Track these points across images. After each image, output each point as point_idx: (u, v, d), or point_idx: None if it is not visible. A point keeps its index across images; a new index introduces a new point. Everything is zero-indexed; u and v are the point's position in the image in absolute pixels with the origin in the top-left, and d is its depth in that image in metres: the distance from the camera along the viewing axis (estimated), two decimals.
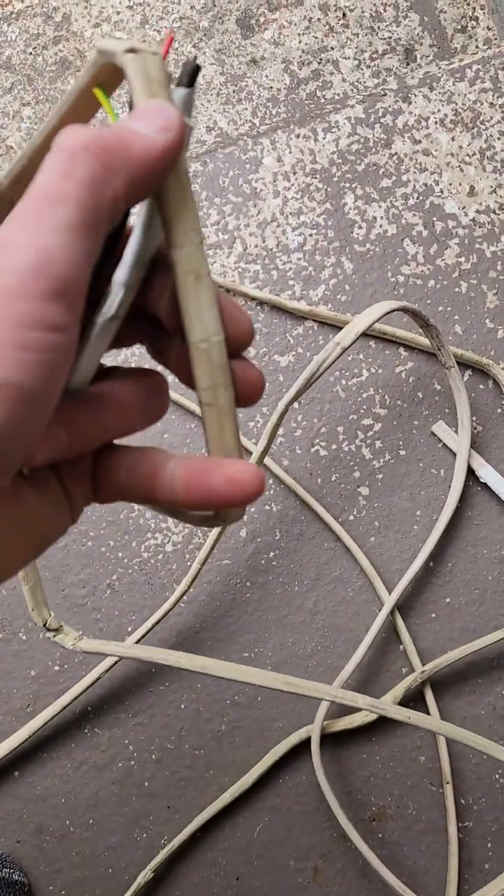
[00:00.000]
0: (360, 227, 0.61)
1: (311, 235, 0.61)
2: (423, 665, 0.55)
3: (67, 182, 0.17)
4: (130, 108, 0.19)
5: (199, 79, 0.53)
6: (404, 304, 0.50)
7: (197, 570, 0.54)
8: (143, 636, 0.55)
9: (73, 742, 0.56)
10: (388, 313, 0.49)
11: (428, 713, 0.55)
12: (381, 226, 0.61)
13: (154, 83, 0.19)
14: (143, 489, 0.22)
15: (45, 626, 0.50)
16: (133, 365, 0.60)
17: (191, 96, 0.20)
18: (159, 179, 0.19)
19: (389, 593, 0.56)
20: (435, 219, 0.60)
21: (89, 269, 0.18)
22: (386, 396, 0.59)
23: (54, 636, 0.50)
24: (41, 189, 0.17)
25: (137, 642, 0.55)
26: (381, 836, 0.54)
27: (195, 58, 0.26)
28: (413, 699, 0.55)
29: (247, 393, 0.22)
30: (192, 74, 0.20)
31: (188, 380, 0.22)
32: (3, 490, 0.20)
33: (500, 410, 0.58)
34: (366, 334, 0.59)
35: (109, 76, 0.20)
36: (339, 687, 0.54)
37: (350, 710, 0.55)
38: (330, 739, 0.55)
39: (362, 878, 0.54)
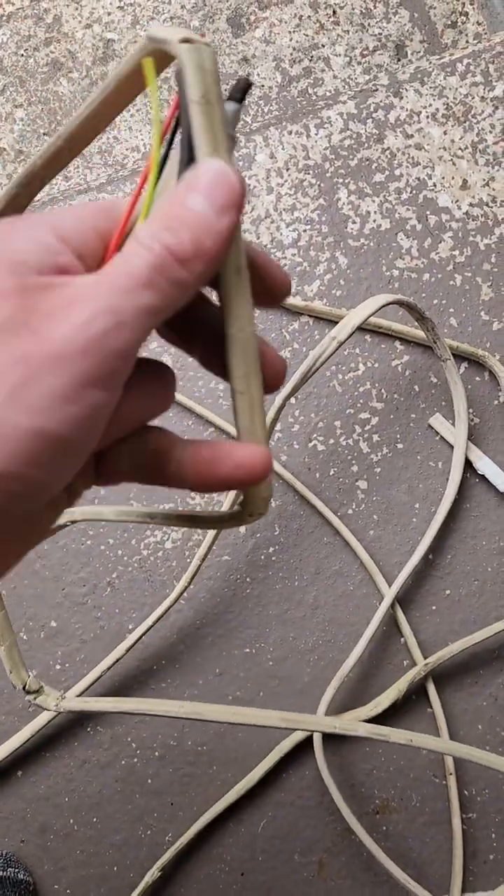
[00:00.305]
0: (353, 222, 0.61)
1: (305, 231, 0.61)
2: (425, 658, 0.55)
3: (144, 278, 0.19)
4: (180, 97, 0.20)
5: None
6: (399, 298, 0.50)
7: (197, 567, 0.54)
8: (144, 634, 0.55)
9: (75, 741, 0.56)
10: (382, 307, 0.49)
11: (430, 706, 0.55)
12: (374, 220, 0.61)
13: (208, 76, 0.19)
14: (147, 475, 0.23)
15: (24, 688, 0.49)
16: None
17: (239, 112, 0.21)
18: (223, 256, 0.20)
19: (389, 586, 0.56)
20: (428, 212, 0.61)
21: (138, 349, 0.20)
22: (383, 390, 0.59)
23: (35, 698, 0.49)
24: (120, 276, 0.19)
25: (136, 641, 0.55)
26: (385, 828, 0.54)
27: (248, 74, 0.27)
28: (415, 692, 0.55)
29: (272, 377, 0.23)
30: (244, 90, 0.20)
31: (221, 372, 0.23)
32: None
33: (496, 402, 0.58)
34: (361, 328, 0.59)
35: (156, 63, 0.20)
36: (342, 679, 0.54)
37: (354, 703, 0.55)
38: (333, 734, 0.55)
39: (367, 871, 0.54)
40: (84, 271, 0.20)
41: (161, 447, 0.22)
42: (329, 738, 0.55)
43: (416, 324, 0.54)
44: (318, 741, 0.53)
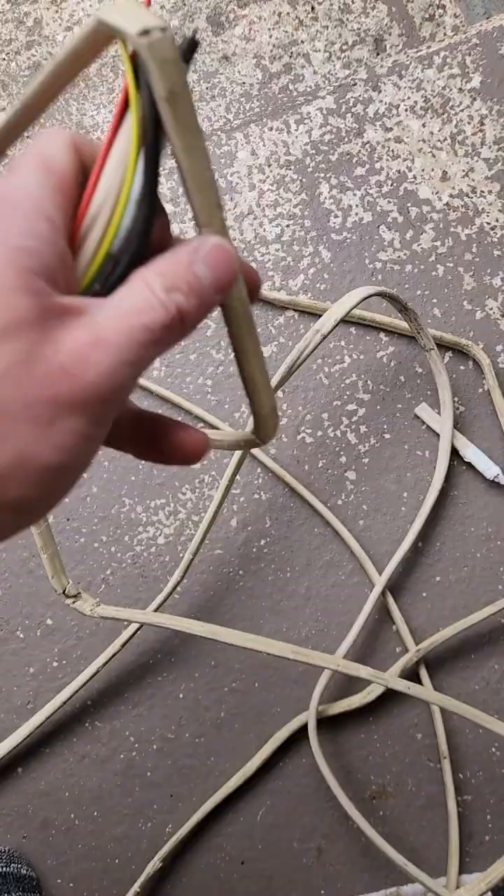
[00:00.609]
0: (336, 216, 0.62)
1: (288, 226, 0.62)
2: (417, 644, 0.55)
3: (140, 337, 0.20)
4: (135, 87, 0.19)
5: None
6: (381, 290, 0.51)
7: (189, 561, 0.55)
8: (137, 630, 0.56)
9: (74, 736, 0.57)
10: (365, 299, 0.50)
11: None
12: (356, 214, 0.61)
13: (171, 66, 0.18)
14: (143, 452, 0.25)
15: (64, 592, 0.51)
16: None
17: (187, 72, 0.20)
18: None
19: (380, 575, 0.56)
20: (409, 204, 0.61)
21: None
22: (369, 381, 0.60)
23: (73, 602, 0.51)
24: (137, 330, 0.20)
25: (132, 636, 0.56)
26: (381, 813, 0.55)
27: (195, 32, 0.26)
28: (408, 678, 0.56)
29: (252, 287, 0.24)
30: (191, 51, 0.20)
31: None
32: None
33: (480, 391, 0.59)
34: (346, 321, 0.59)
35: (105, 42, 0.20)
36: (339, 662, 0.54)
37: (347, 692, 0.56)
38: (328, 722, 0.56)
39: (365, 856, 0.54)
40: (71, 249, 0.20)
41: (156, 429, 0.24)
42: (325, 726, 0.56)
43: (400, 315, 0.55)
44: (312, 730, 0.54)
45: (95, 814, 0.56)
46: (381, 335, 0.60)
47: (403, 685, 0.48)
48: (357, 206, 0.62)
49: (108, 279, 0.21)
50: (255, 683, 0.57)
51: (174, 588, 0.56)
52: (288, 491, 0.59)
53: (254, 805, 0.56)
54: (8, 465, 0.18)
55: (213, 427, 0.59)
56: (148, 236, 0.21)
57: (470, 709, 0.47)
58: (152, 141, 0.20)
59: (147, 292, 0.20)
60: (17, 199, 0.19)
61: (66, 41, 0.22)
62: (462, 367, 0.59)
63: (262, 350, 0.26)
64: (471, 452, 0.57)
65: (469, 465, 0.58)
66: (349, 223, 0.61)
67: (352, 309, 0.49)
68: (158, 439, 0.24)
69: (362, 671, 0.47)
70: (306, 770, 0.55)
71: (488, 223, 0.61)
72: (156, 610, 0.56)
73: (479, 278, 0.60)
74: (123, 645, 0.56)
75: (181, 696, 0.57)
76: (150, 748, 0.57)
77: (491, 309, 0.60)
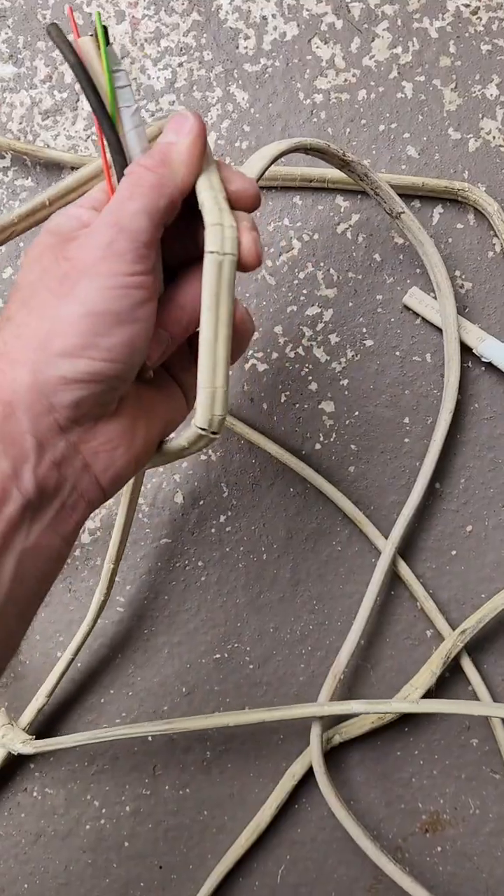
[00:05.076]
0: (246, 38, 0.42)
1: (181, 65, 0.43)
2: (454, 622, 0.40)
3: (137, 189, 0.25)
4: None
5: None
6: (298, 142, 0.32)
7: (110, 570, 0.39)
8: (73, 659, 0.41)
9: (21, 812, 0.43)
10: (270, 164, 0.31)
11: (469, 683, 0.40)
12: (275, 28, 0.42)
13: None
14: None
15: None
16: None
17: (114, 51, 0.25)
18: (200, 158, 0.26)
19: (386, 537, 0.41)
20: (349, 0, 0.42)
21: (157, 237, 0.25)
22: (331, 270, 0.42)
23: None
24: (112, 202, 0.25)
25: (66, 669, 0.41)
26: (439, 849, 0.41)
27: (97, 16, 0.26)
28: (449, 668, 0.41)
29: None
30: (106, 35, 0.25)
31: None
32: (132, 395, 0.27)
33: (491, 254, 0.41)
34: (285, 188, 0.41)
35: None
36: (342, 668, 0.40)
37: (369, 699, 0.41)
38: (351, 744, 0.41)
39: None
40: None
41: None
42: (349, 749, 0.41)
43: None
44: (319, 771, 0.39)
45: None
46: (339, 199, 0.42)
47: (439, 706, 0.33)
48: (274, 16, 0.42)
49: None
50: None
51: (100, 610, 0.40)
52: (245, 444, 0.42)
53: (270, 863, 0.42)
54: (50, 326, 0.24)
55: None
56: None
57: None
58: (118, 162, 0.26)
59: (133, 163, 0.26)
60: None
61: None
62: (459, 226, 0.41)
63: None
64: (488, 346, 0.40)
65: (489, 364, 0.41)
66: (266, 44, 0.42)
67: (258, 177, 0.31)
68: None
69: (353, 706, 0.32)
70: (330, 809, 0.41)
71: (466, 4, 0.42)
72: (88, 632, 0.41)
73: (466, 90, 0.41)
74: (55, 686, 0.41)
75: (150, 737, 0.42)
76: (121, 811, 0.43)
77: (489, 132, 0.41)
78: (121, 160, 0.26)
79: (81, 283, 0.24)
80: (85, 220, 0.26)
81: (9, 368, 0.24)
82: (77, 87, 0.43)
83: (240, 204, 0.27)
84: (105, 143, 0.26)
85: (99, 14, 0.31)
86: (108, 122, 0.26)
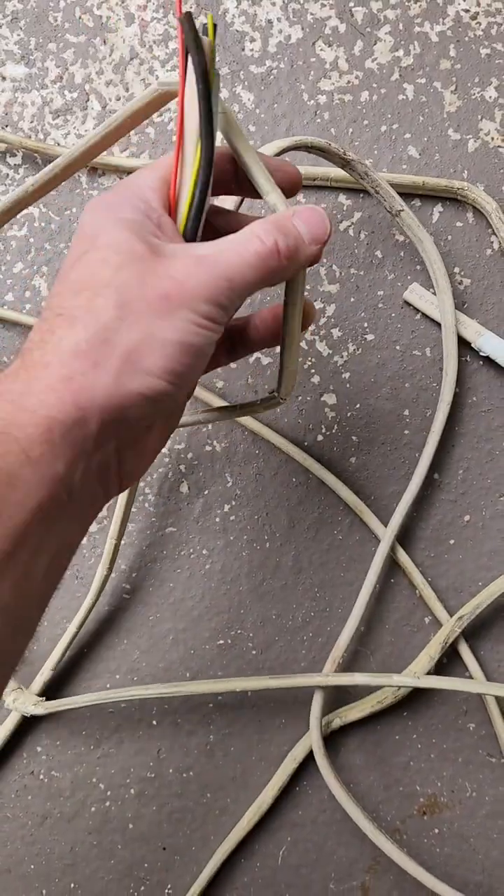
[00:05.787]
0: (252, 41, 0.44)
1: None
2: (451, 609, 0.41)
3: (259, 262, 0.27)
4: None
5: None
6: (300, 140, 0.34)
7: (113, 547, 0.40)
8: (68, 646, 0.42)
9: (28, 794, 0.44)
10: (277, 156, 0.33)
11: (466, 669, 0.41)
12: (280, 31, 0.43)
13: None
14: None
15: None
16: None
17: (212, 46, 0.26)
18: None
19: (386, 525, 0.42)
20: (352, 4, 0.43)
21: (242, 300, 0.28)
22: (333, 266, 0.43)
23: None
24: (245, 254, 0.27)
25: (65, 652, 0.42)
26: (437, 831, 0.42)
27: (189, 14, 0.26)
28: (446, 654, 0.42)
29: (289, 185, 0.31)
30: (201, 30, 0.26)
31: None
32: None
33: (489, 252, 0.42)
34: None
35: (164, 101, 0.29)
36: (341, 653, 0.41)
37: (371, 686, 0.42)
38: (349, 729, 0.42)
39: (423, 888, 0.42)
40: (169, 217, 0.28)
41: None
42: (348, 733, 0.42)
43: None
44: (319, 754, 0.40)
45: (72, 885, 0.44)
46: (342, 197, 0.43)
47: (437, 682, 0.34)
48: (279, 19, 0.43)
49: (192, 226, 0.27)
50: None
51: (101, 586, 0.41)
52: (248, 435, 0.43)
53: (271, 845, 0.43)
54: (141, 339, 0.25)
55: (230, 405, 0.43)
56: (206, 197, 0.27)
57: None
58: (207, 145, 0.26)
59: (248, 231, 0.27)
60: (128, 188, 0.27)
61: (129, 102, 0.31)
62: (459, 224, 0.43)
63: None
64: (487, 341, 0.41)
65: (486, 359, 0.42)
66: (272, 47, 0.43)
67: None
68: None
69: (357, 678, 0.33)
70: (331, 792, 0.42)
71: (466, 10, 0.43)
72: (86, 617, 0.42)
73: (465, 92, 0.43)
74: (54, 669, 0.42)
75: (154, 722, 0.43)
76: (126, 794, 0.44)
77: (487, 133, 0.43)
78: (210, 143, 0.27)
79: (181, 312, 0.25)
80: (155, 220, 0.27)
81: (91, 370, 0.24)
82: (88, 85, 0.44)
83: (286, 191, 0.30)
84: (186, 128, 0.27)
85: (211, 16, 0.33)
86: (207, 109, 0.26)
